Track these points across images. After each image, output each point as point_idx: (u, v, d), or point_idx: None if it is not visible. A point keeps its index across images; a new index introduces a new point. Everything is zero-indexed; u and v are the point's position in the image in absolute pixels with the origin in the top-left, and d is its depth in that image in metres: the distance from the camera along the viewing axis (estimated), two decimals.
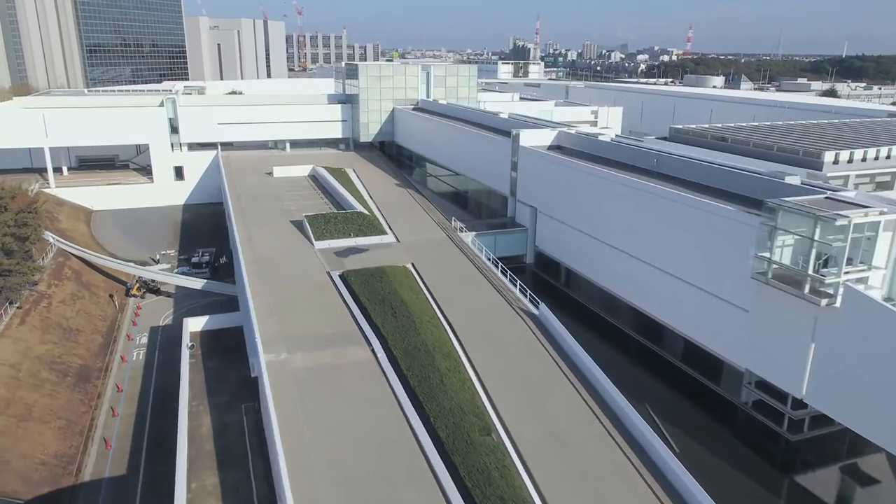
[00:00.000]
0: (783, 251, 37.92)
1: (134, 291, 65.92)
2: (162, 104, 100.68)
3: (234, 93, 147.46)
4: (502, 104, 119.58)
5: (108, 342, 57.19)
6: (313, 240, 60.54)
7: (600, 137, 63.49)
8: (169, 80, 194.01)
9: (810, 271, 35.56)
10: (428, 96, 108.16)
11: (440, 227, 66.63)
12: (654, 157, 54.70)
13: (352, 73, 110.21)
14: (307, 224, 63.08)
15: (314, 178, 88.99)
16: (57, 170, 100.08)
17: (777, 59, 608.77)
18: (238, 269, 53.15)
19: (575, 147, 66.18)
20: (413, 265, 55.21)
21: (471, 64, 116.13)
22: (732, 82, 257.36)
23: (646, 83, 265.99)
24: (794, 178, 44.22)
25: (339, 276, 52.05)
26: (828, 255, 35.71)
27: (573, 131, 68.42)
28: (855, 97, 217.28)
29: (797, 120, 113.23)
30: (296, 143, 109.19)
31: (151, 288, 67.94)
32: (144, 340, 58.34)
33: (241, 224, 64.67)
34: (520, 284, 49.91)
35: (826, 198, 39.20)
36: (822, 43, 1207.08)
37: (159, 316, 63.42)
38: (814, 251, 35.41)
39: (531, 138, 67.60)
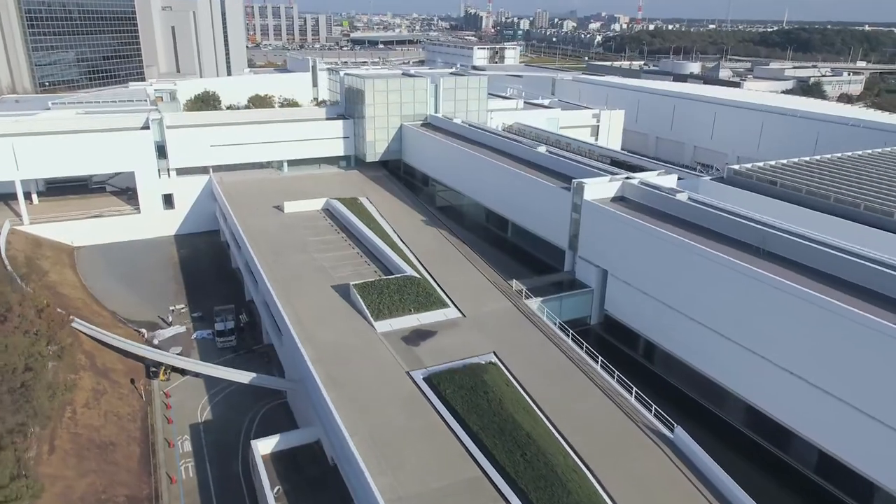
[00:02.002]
0: None
1: (161, 378, 58.18)
2: (147, 126, 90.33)
3: (206, 93, 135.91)
4: (509, 113, 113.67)
5: (146, 452, 49.78)
6: (372, 320, 54.03)
7: (678, 196, 58.53)
8: (129, 74, 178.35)
9: None
10: (436, 111, 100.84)
11: (500, 292, 60.87)
12: (759, 234, 50.12)
13: (353, 83, 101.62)
14: (358, 297, 56.35)
15: (331, 213, 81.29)
16: (25, 195, 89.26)
17: (727, 28, 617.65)
18: (310, 378, 46.16)
19: (644, 202, 61.02)
20: (496, 355, 49.62)
21: (480, 74, 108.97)
22: (711, 68, 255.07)
23: (620, 66, 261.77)
24: None
25: (426, 380, 46.03)
26: None
27: (636, 181, 63.24)
28: (827, 83, 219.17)
29: (810, 130, 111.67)
30: (293, 162, 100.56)
31: (175, 367, 60.24)
32: (188, 447, 51.20)
33: (281, 295, 57.24)
34: (635, 391, 44.99)
35: None
36: (762, 7, 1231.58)
37: (195, 406, 56.12)
38: None
39: (594, 191, 62.20)
